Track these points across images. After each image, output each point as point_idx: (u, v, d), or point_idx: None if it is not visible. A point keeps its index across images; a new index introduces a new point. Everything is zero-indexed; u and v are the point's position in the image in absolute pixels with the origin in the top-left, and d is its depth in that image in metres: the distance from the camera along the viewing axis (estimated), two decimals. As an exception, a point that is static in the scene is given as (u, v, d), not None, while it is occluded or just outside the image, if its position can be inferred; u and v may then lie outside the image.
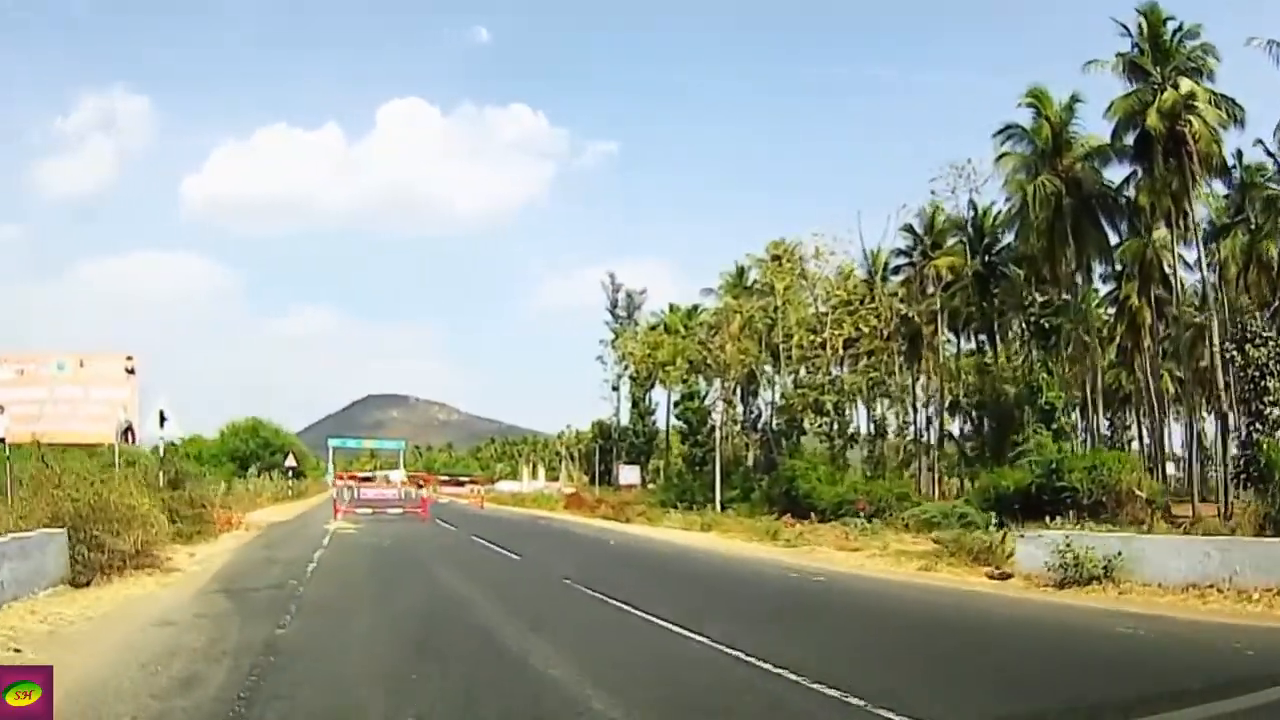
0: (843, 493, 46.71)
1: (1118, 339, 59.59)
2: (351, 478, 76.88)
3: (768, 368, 66.35)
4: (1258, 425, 34.38)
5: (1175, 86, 45.83)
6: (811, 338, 54.23)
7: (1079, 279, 48.71)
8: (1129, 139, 47.68)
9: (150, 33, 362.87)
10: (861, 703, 7.74)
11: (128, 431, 21.56)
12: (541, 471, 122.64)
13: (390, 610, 13.46)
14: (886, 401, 55.79)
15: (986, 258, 58.17)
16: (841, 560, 21.47)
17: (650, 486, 74.81)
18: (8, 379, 21.91)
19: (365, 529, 31.20)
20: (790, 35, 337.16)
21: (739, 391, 69.48)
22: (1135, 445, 64.04)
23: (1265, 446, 30.57)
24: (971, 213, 59.10)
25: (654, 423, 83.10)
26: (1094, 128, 51.14)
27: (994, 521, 35.27)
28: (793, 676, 8.73)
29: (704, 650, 10.48)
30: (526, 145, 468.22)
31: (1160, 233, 51.06)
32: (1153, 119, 45.40)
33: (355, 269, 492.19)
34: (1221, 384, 43.19)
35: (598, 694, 7.96)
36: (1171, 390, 65.48)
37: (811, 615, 14.50)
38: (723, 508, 55.28)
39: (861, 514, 42.28)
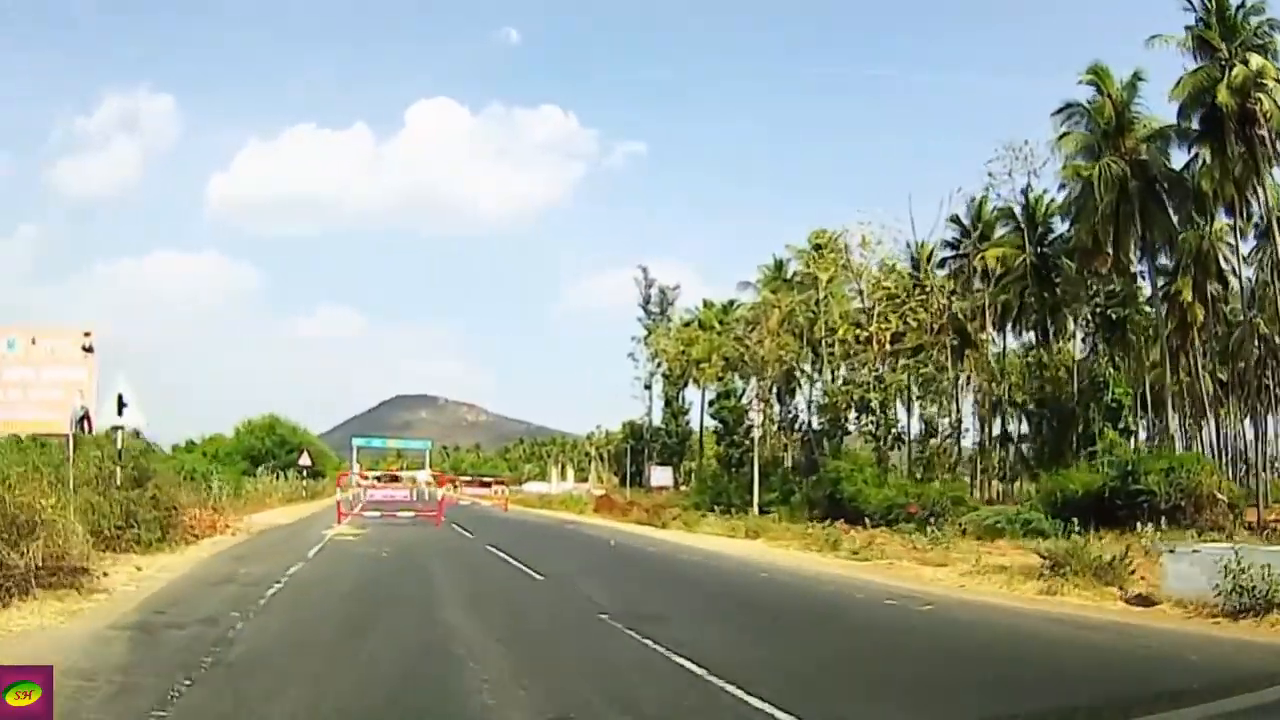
0: (891, 496, 43.74)
1: (1163, 336, 56.17)
2: (376, 477, 74.79)
3: (807, 365, 63.57)
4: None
5: (1244, 63, 42.95)
6: (856, 332, 51.16)
7: (1145, 267, 45.35)
8: (1193, 121, 45.24)
9: (174, 32, 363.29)
10: None
11: (84, 419, 18.49)
12: (570, 473, 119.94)
13: (348, 673, 8.98)
14: (938, 400, 52.36)
15: (1040, 248, 55.08)
16: (931, 578, 17.93)
17: (683, 488, 72.08)
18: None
19: (368, 536, 27.02)
20: (825, 33, 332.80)
21: (775, 390, 66.55)
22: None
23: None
24: (1023, 200, 56.10)
25: (687, 422, 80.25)
26: (1152, 109, 48.52)
27: (1063, 528, 32.86)
28: None
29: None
30: (556, 146, 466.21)
31: (1219, 223, 48.02)
32: (1223, 95, 42.54)
33: (383, 269, 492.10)
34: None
35: None
36: (1210, 392, 61.93)
37: (967, 675, 9.95)
38: (761, 511, 52.52)
39: (914, 519, 39.53)
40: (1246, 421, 57.96)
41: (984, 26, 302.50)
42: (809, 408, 56.61)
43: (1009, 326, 57.70)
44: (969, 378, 54.52)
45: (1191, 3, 44.14)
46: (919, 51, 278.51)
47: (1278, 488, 52.91)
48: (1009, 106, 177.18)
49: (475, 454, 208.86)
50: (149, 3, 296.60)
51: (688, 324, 77.87)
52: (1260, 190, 43.38)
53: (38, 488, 12.01)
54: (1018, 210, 56.93)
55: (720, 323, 73.71)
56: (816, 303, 56.65)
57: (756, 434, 55.73)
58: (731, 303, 75.99)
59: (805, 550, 24.47)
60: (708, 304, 79.12)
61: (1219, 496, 33.63)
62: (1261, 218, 45.72)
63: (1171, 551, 14.32)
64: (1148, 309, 48.67)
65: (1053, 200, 54.47)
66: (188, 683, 8.02)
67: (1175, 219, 47.40)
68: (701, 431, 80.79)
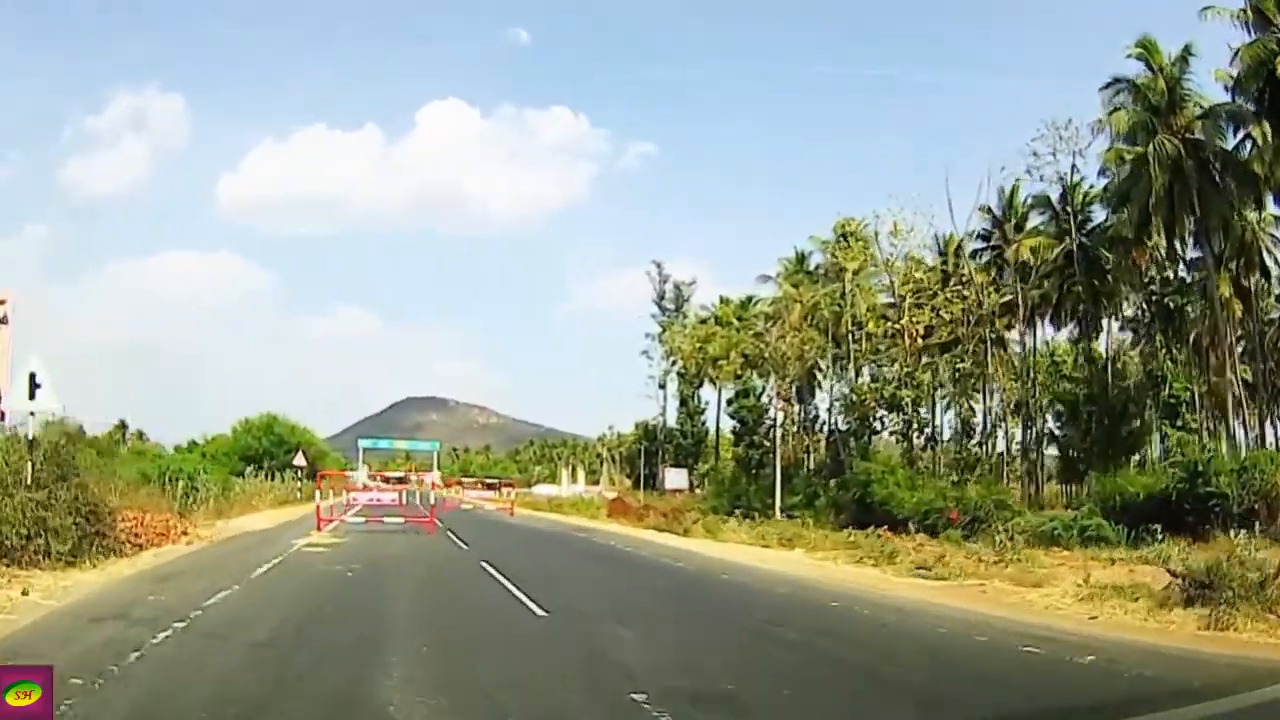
0: (929, 500, 40.55)
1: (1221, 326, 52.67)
2: (368, 478, 71.53)
3: (823, 364, 60.38)
4: None
5: (1302, 35, 39.93)
6: (886, 325, 48.00)
7: (1199, 253, 42.05)
8: (1246, 99, 42.13)
9: (182, 31, 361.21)
10: None
11: (-9, 402, 15.35)
12: (581, 475, 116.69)
13: None
14: (974, 397, 49.01)
15: (1080, 237, 51.83)
16: (1043, 606, 14.07)
17: (698, 491, 68.97)
18: None
19: (343, 547, 23.27)
20: (835, 34, 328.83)
21: (795, 389, 63.37)
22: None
23: None
24: (1060, 189, 52.86)
25: (703, 423, 77.08)
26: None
27: (1128, 535, 29.69)
28: None
29: None
30: (567, 147, 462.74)
31: (1267, 211, 44.91)
32: (1285, 68, 39.32)
33: (394, 270, 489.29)
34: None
35: None
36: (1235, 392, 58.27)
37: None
38: (784, 515, 49.47)
39: (955, 524, 36.37)
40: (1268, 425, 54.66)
41: (997, 24, 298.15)
42: (833, 406, 53.31)
43: (1048, 320, 54.23)
44: (997, 374, 50.97)
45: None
46: (950, 50, 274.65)
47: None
48: (1015, 107, 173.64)
49: (485, 456, 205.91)
50: (157, 2, 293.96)
51: (704, 321, 74.94)
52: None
53: None
54: (1054, 198, 53.89)
55: (738, 319, 70.65)
56: (841, 295, 53.48)
57: (778, 434, 52.60)
58: (750, 298, 73.00)
59: (857, 565, 21.03)
60: (724, 300, 76.09)
61: (1297, 499, 30.45)
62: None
63: None
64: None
65: (1092, 187, 51.46)
66: None
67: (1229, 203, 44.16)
68: (718, 432, 77.71)
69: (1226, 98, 43.37)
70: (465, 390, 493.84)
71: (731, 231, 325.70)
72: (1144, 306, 42.48)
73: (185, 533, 23.06)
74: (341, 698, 7.85)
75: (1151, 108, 43.70)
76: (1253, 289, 46.41)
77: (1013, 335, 55.81)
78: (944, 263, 54.82)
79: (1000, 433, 60.55)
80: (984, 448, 49.35)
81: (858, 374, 54.33)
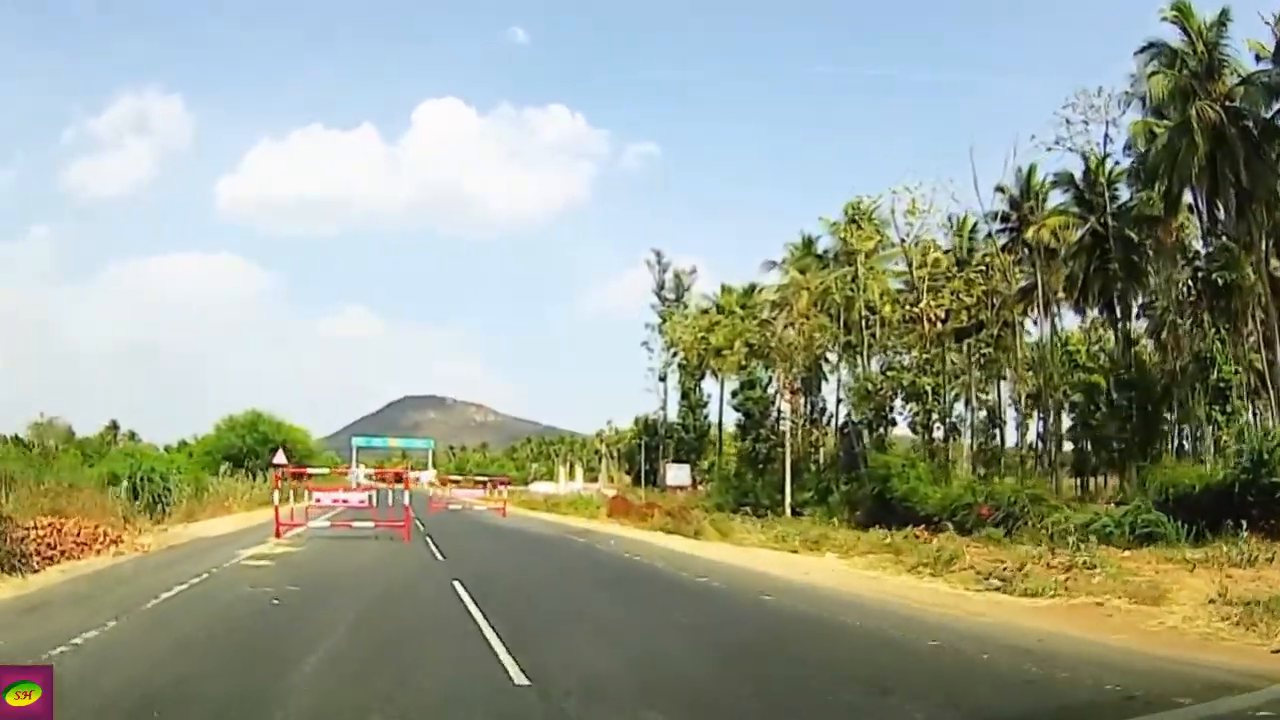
0: (956, 495, 37.54)
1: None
2: (381, 476, 68.19)
3: (834, 353, 57.36)
4: None
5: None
6: (904, 309, 44.93)
7: (1249, 225, 39.02)
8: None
9: (180, 33, 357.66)
10: None
11: None
12: (580, 472, 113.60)
13: None
14: (1000, 385, 45.89)
15: (1107, 216, 48.79)
16: (1201, 638, 10.51)
17: (701, 488, 65.88)
18: None
19: (293, 559, 19.71)
20: (835, 34, 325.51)
21: (801, 380, 60.26)
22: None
23: None
24: (1084, 167, 49.90)
25: (705, 416, 73.92)
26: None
27: (1189, 531, 26.70)
28: None
29: None
30: (566, 146, 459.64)
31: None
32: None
33: (391, 270, 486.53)
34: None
35: None
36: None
37: None
38: (794, 512, 46.55)
39: (986, 521, 33.36)
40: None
41: (997, 24, 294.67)
42: (846, 397, 50.12)
43: (1074, 303, 51.11)
44: (1021, 361, 47.80)
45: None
46: (930, 54, 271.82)
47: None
48: (1016, 106, 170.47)
49: (482, 454, 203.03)
50: (155, 3, 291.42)
51: (705, 311, 71.91)
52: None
53: None
54: (1078, 176, 50.96)
55: (742, 308, 67.60)
56: (853, 280, 50.41)
57: (787, 426, 49.60)
58: (753, 287, 69.84)
59: (911, 574, 17.64)
60: (727, 289, 72.94)
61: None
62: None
63: None
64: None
65: (1117, 164, 48.51)
66: None
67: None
68: (720, 426, 74.67)
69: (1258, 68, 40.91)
70: (463, 389, 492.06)
71: (732, 231, 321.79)
72: (1190, 284, 39.30)
73: (118, 541, 19.90)
74: None
75: (1190, 73, 40.69)
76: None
77: (1028, 322, 53.11)
78: (958, 246, 51.99)
79: (1027, 424, 58.19)
80: (1001, 440, 46.23)
81: (864, 363, 51.38)
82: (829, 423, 65.83)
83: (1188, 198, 43.28)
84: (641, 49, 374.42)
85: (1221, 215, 39.88)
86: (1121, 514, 28.64)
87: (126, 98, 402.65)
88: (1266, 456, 27.61)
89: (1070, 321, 57.53)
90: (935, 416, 43.85)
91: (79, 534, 18.33)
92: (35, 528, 16.30)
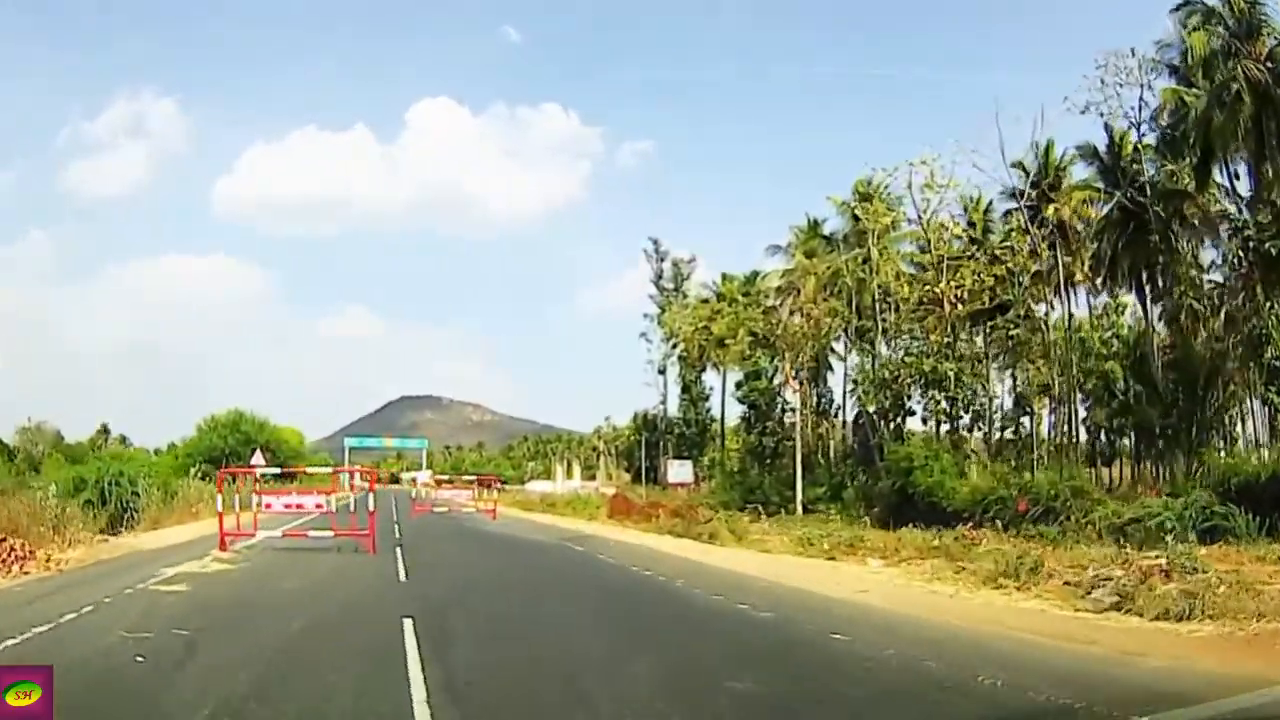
0: (988, 488, 34.59)
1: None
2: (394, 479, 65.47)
3: (846, 338, 54.40)
4: None
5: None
6: (923, 289, 41.88)
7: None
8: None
9: (175, 37, 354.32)
10: None
11: None
12: (577, 470, 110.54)
13: None
14: (1028, 368, 42.72)
15: (1133, 191, 45.88)
16: None
17: (705, 485, 62.88)
18: None
19: (221, 580, 16.26)
20: (832, 30, 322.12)
21: (809, 370, 57.28)
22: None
23: None
24: (1108, 139, 47.03)
25: (708, 410, 70.86)
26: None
27: (1260, 525, 23.85)
28: None
29: None
30: (560, 145, 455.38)
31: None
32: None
33: (387, 271, 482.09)
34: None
35: None
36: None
37: None
38: (805, 509, 43.60)
39: (1024, 517, 30.45)
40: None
41: (992, 23, 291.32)
42: (860, 385, 46.96)
43: (1100, 282, 48.16)
44: (1052, 344, 44.64)
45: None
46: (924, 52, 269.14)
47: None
48: (1021, 105, 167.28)
49: (478, 453, 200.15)
50: (151, 7, 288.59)
51: (705, 301, 68.95)
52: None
53: None
54: (1101, 148, 48.03)
55: (745, 295, 64.66)
56: (864, 262, 47.40)
57: (798, 418, 46.64)
58: (756, 274, 66.87)
59: (997, 591, 14.16)
60: (728, 277, 69.94)
61: None
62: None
63: None
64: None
65: (1143, 137, 45.62)
66: None
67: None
68: (723, 419, 71.63)
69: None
70: (461, 389, 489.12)
71: (729, 228, 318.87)
72: (1240, 253, 36.28)
73: (26, 558, 16.81)
74: None
75: (1230, 32, 37.83)
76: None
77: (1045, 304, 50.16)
78: (971, 226, 49.03)
79: (1041, 413, 55.20)
80: (1033, 429, 43.17)
81: (871, 350, 48.44)
82: (836, 414, 63.02)
83: (1219, 168, 40.90)
84: (633, 47, 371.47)
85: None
86: (1181, 506, 25.69)
87: (122, 101, 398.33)
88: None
89: (1087, 304, 55.05)
90: (959, 405, 40.78)
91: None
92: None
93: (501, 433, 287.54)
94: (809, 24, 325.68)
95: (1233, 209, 40.38)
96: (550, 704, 8.09)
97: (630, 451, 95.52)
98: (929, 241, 42.45)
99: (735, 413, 71.11)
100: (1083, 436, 59.09)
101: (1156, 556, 15.43)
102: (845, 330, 48.82)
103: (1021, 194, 43.85)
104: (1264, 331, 31.73)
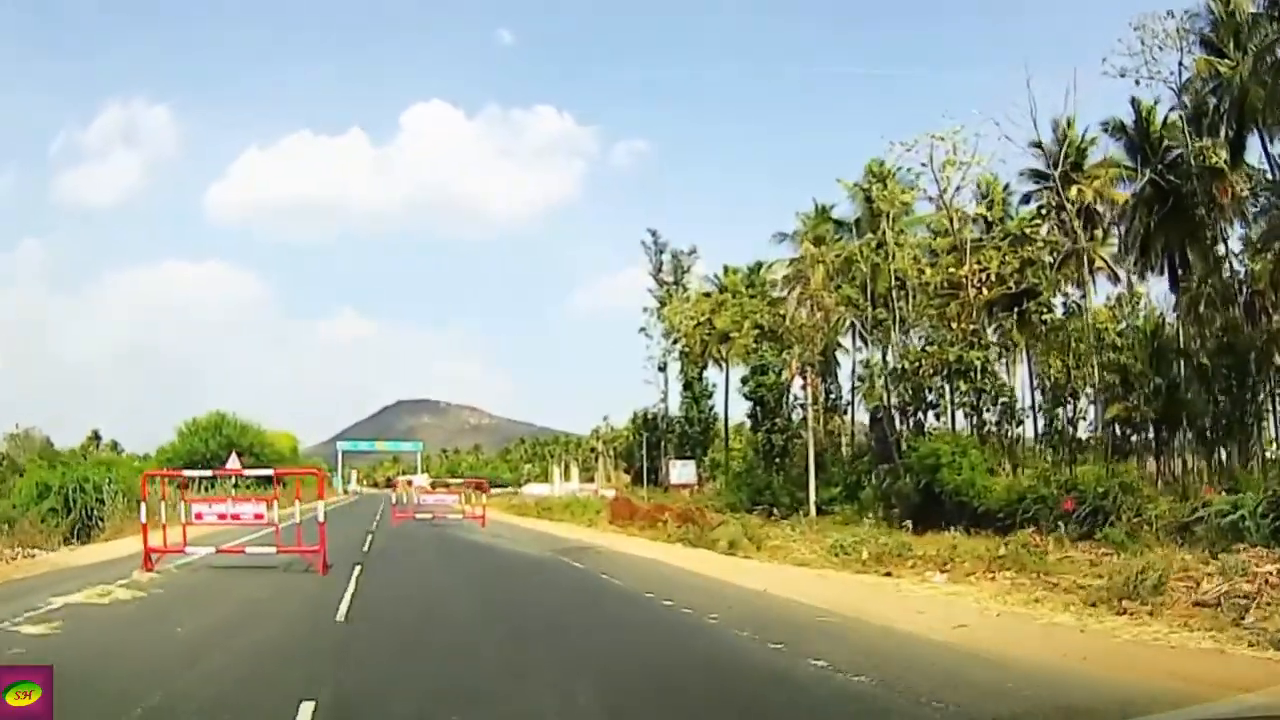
0: (1025, 486, 31.70)
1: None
2: (389, 484, 62.05)
3: (862, 327, 51.44)
4: None
5: None
6: (945, 273, 38.89)
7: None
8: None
9: (165, 45, 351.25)
10: None
11: None
12: (575, 472, 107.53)
13: None
14: (1061, 357, 39.58)
15: (1163, 169, 43.10)
16: None
17: (709, 486, 59.92)
18: None
19: (120, 613, 13.28)
20: (827, 31, 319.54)
21: (817, 363, 54.33)
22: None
23: None
24: (1134, 115, 44.26)
25: (711, 408, 67.75)
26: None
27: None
28: None
29: None
30: (555, 146, 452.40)
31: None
32: None
33: (383, 274, 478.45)
34: None
35: None
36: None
37: None
38: (819, 511, 40.73)
39: (1070, 517, 27.57)
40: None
41: (989, 23, 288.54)
42: (870, 377, 43.95)
43: (1133, 266, 45.29)
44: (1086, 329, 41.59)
45: None
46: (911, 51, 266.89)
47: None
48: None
49: (475, 456, 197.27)
50: (139, 15, 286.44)
51: (707, 294, 65.99)
52: None
53: None
54: (1129, 124, 45.28)
55: (748, 286, 61.75)
56: (878, 246, 44.47)
57: (809, 414, 43.69)
58: (759, 265, 63.93)
59: (1115, 617, 11.08)
60: (731, 269, 67.00)
61: None
62: None
63: None
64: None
65: (1183, 106, 42.87)
66: None
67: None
68: (727, 417, 68.65)
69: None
70: (457, 392, 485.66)
71: (726, 226, 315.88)
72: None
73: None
74: None
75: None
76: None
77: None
78: (989, 208, 46.17)
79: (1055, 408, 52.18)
80: (1073, 421, 40.09)
81: (889, 340, 45.55)
82: (846, 411, 60.09)
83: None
84: (627, 47, 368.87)
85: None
86: (1253, 503, 22.75)
87: (114, 108, 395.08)
88: None
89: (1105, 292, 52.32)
90: (988, 396, 37.75)
91: None
92: None
93: (499, 436, 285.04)
94: (808, 21, 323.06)
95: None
96: None
97: (630, 452, 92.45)
98: (950, 221, 39.44)
99: (739, 410, 68.36)
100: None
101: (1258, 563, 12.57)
102: (859, 320, 45.72)
103: (1055, 163, 40.83)
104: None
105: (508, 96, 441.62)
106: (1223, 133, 39.70)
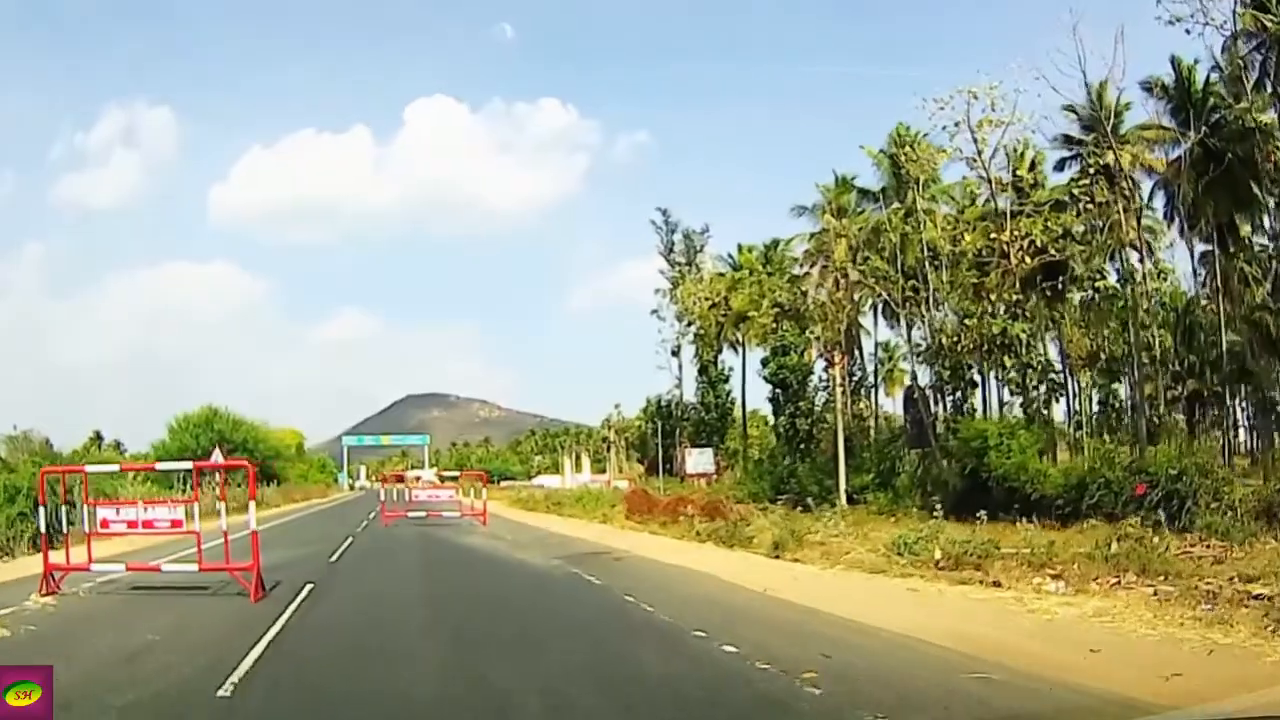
0: (1087, 469, 28.70)
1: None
2: (399, 478, 58.63)
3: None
4: None
5: None
6: (993, 237, 35.70)
7: None
8: None
9: (165, 46, 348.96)
10: None
11: None
12: (587, 463, 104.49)
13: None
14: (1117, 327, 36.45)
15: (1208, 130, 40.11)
16: None
17: (727, 475, 56.83)
18: None
19: None
20: (830, 23, 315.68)
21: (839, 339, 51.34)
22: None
23: None
24: (1175, 74, 41.25)
25: (728, 393, 64.58)
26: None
27: None
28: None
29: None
30: (559, 139, 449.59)
31: None
32: None
33: (389, 271, 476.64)
34: None
35: None
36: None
37: None
38: (849, 500, 37.70)
39: (1143, 502, 24.62)
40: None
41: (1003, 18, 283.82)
42: (910, 355, 41.01)
43: (1179, 234, 42.28)
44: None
45: None
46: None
47: None
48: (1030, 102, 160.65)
49: (485, 449, 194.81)
50: (136, 17, 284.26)
51: (722, 275, 62.89)
52: None
53: None
54: (1168, 83, 42.33)
55: (765, 263, 58.74)
56: (907, 215, 41.46)
57: (837, 396, 40.76)
58: (775, 242, 60.81)
59: None
60: (745, 247, 63.83)
61: None
62: None
63: None
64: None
65: (1214, 70, 40.09)
66: None
67: None
68: (744, 403, 65.63)
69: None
70: (466, 385, 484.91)
71: (735, 219, 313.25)
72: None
73: None
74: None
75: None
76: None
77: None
78: (1030, 169, 43.17)
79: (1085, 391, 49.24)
80: (1108, 401, 37.07)
81: (934, 311, 42.57)
82: (868, 394, 57.10)
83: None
84: (628, 40, 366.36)
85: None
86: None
87: (115, 111, 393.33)
88: None
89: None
90: (1034, 372, 34.66)
91: None
92: None
93: (510, 428, 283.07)
94: (814, 13, 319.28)
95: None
96: None
97: (643, 441, 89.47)
98: (989, 183, 36.29)
99: (757, 395, 65.39)
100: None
101: None
102: (887, 295, 42.49)
103: (1107, 117, 37.71)
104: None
105: (511, 90, 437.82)
106: (1269, 88, 36.93)
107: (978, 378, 37.58)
